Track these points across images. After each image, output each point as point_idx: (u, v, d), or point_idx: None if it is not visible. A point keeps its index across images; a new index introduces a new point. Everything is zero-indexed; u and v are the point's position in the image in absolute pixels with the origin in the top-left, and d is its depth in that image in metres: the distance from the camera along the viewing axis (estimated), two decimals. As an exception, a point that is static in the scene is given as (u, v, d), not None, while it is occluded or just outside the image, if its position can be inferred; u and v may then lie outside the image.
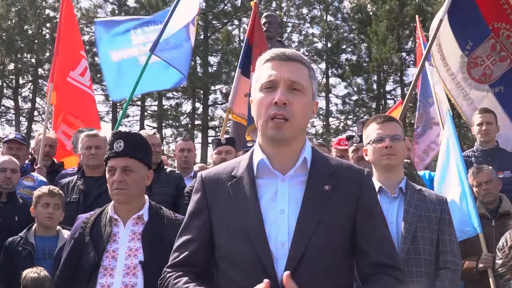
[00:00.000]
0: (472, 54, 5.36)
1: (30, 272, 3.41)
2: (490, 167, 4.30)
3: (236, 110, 6.52)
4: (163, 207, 2.79)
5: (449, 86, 5.51)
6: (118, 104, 22.23)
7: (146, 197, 2.76)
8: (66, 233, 3.77)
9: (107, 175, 2.66)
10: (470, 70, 5.35)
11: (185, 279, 1.70)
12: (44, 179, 4.79)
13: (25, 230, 3.81)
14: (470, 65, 5.33)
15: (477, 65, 5.37)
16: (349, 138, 4.74)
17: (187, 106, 23.45)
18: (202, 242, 1.76)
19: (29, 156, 5.58)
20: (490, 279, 3.85)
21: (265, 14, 8.71)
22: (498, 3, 5.31)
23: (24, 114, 23.25)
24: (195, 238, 1.77)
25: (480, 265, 3.95)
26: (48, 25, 21.40)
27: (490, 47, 5.32)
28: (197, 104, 22.88)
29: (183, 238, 1.80)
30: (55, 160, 5.58)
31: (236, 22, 23.57)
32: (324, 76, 23.11)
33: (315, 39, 23.66)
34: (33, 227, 3.81)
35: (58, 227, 3.84)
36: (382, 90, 22.39)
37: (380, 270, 1.71)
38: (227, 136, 5.84)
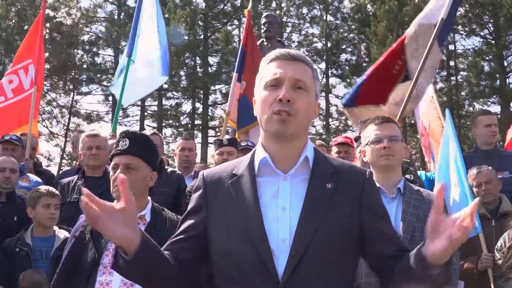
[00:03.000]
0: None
1: (27, 274, 3.43)
2: (490, 168, 4.31)
3: (231, 116, 6.62)
4: (165, 209, 2.79)
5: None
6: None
7: (149, 198, 2.76)
8: (62, 234, 3.77)
9: (110, 173, 2.67)
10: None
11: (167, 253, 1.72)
12: (39, 180, 4.82)
13: (22, 230, 3.81)
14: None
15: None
16: (357, 139, 4.75)
17: (187, 106, 23.48)
18: (190, 240, 1.77)
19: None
20: (490, 279, 3.86)
21: (265, 14, 8.73)
22: None
23: (24, 114, 23.21)
24: (184, 236, 1.78)
25: (480, 265, 3.95)
26: (47, 25, 21.39)
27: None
28: (197, 104, 22.88)
29: (175, 233, 1.82)
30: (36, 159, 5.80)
31: (236, 22, 23.58)
32: (324, 76, 23.12)
33: (315, 39, 23.68)
34: (30, 228, 3.81)
35: (55, 227, 3.85)
36: (381, 90, 22.37)
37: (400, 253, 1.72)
38: (229, 137, 5.86)
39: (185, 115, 23.20)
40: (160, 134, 5.11)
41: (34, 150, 5.76)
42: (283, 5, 23.71)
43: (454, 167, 4.12)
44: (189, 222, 1.80)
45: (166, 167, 4.78)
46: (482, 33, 20.60)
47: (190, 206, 1.84)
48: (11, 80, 6.38)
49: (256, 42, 7.27)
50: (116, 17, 23.22)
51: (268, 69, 1.76)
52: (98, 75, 22.88)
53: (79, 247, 2.60)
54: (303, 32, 23.84)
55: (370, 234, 1.73)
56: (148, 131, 5.07)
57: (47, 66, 21.26)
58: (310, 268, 1.63)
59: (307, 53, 22.52)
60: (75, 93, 23.18)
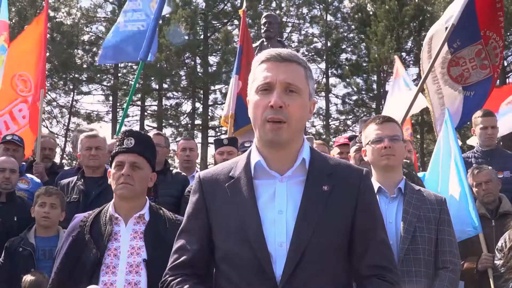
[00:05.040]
0: (457, 53, 5.44)
1: (29, 275, 3.45)
2: (490, 167, 4.30)
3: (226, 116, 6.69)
4: (163, 208, 2.79)
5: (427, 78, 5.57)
6: (118, 104, 22.24)
7: (146, 197, 2.76)
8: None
9: (113, 170, 2.65)
10: (450, 68, 5.44)
11: (187, 285, 1.70)
12: (39, 181, 4.81)
13: (25, 230, 3.81)
14: (451, 63, 5.42)
15: (457, 65, 5.47)
16: (352, 138, 4.73)
17: (187, 106, 23.47)
18: (201, 243, 1.76)
19: (30, 158, 5.64)
20: (490, 279, 3.85)
21: (265, 14, 8.73)
22: (496, 14, 5.43)
23: (24, 114, 23.21)
24: (194, 240, 1.77)
25: (480, 265, 3.95)
26: (48, 25, 21.39)
27: (475, 52, 5.42)
28: (197, 104, 22.88)
29: (183, 239, 1.80)
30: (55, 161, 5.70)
31: (236, 22, 23.55)
32: (324, 76, 23.13)
33: (315, 39, 23.68)
34: (33, 228, 3.82)
35: (59, 227, 3.85)
36: (382, 90, 22.40)
37: (375, 272, 1.71)
38: (230, 136, 5.85)
39: (185, 115, 23.21)
40: (165, 135, 5.08)
41: (51, 151, 5.67)
42: (283, 5, 23.71)
43: (454, 167, 4.11)
44: (193, 225, 1.78)
45: (170, 168, 4.78)
46: (482, 33, 20.58)
47: (189, 209, 1.83)
48: (20, 109, 6.32)
49: (251, 42, 7.32)
50: (116, 17, 23.22)
51: (259, 71, 1.72)
52: (98, 75, 22.87)
53: (78, 246, 2.57)
54: (303, 32, 23.89)
55: (357, 241, 1.71)
56: (152, 132, 5.03)
57: (47, 66, 21.30)
58: (308, 270, 1.63)
59: (307, 53, 22.55)
60: (75, 93, 23.19)
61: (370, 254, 1.71)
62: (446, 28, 5.28)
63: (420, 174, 4.61)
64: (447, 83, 5.52)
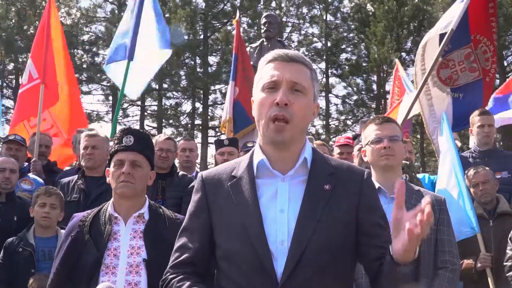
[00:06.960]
0: (447, 55, 5.51)
1: (37, 279, 3.44)
2: (487, 168, 4.31)
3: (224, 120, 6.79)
4: (162, 207, 2.78)
5: (418, 79, 5.60)
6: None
7: (146, 196, 2.75)
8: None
9: (112, 169, 2.62)
10: (440, 70, 5.53)
11: (188, 283, 1.71)
12: (41, 181, 4.81)
13: (24, 230, 3.81)
14: (441, 65, 5.51)
15: (447, 67, 5.57)
16: (355, 137, 4.75)
17: (187, 106, 23.45)
18: (202, 242, 1.77)
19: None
20: (489, 279, 3.87)
21: (265, 14, 8.76)
22: (488, 19, 5.49)
23: (24, 114, 23.19)
24: (195, 238, 1.78)
25: (479, 265, 3.96)
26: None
27: (465, 55, 5.52)
28: (197, 104, 22.88)
29: (184, 238, 1.81)
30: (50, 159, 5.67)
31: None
32: (324, 76, 23.12)
33: (315, 39, 23.69)
34: (32, 228, 3.81)
35: (57, 227, 3.85)
36: (381, 90, 22.40)
37: None
38: (230, 137, 5.88)
39: (185, 115, 23.20)
40: (174, 139, 5.05)
41: (48, 148, 5.62)
42: (283, 5, 23.71)
43: (452, 168, 4.13)
44: (195, 224, 1.79)
45: (178, 171, 4.78)
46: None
47: (191, 208, 1.84)
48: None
49: (245, 49, 7.38)
50: (116, 17, 23.22)
51: (266, 70, 1.75)
52: (98, 75, 22.86)
53: (78, 247, 2.55)
54: (303, 32, 23.88)
55: (365, 236, 1.72)
56: (162, 135, 4.96)
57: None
58: (308, 269, 1.63)
59: (307, 53, 22.54)
60: (75, 93, 23.16)
61: (380, 251, 1.69)
62: (441, 34, 5.33)
63: (420, 176, 4.61)
64: (436, 84, 5.60)
